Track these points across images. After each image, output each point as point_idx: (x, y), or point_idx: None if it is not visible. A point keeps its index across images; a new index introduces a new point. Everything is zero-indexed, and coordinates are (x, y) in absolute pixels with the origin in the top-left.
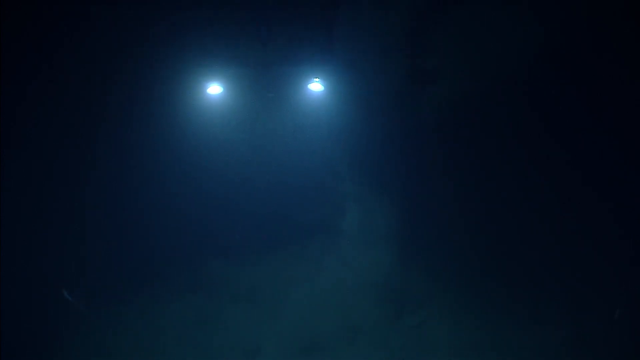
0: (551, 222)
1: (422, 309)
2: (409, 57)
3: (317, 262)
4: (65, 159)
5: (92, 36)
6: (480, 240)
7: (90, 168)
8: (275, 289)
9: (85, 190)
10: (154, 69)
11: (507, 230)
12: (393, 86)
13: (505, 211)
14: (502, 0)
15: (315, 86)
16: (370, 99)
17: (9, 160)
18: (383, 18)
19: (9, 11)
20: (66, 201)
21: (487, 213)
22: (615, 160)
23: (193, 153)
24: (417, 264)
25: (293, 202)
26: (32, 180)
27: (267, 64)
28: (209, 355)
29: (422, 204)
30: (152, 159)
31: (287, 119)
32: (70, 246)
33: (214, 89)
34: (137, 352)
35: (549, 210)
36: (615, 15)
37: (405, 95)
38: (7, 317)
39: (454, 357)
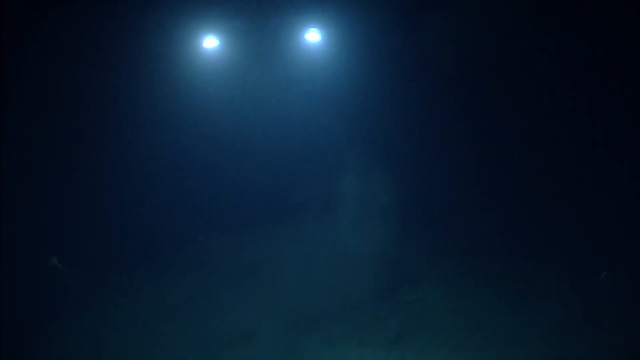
0: (551, 199)
1: (419, 285)
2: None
3: (313, 238)
4: (60, 121)
5: None
6: (481, 216)
7: (86, 129)
8: (271, 265)
9: (81, 155)
10: (150, 23)
11: (507, 206)
12: (396, 35)
13: (506, 187)
14: None
15: (313, 36)
16: (370, 50)
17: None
18: None
19: None
20: (63, 174)
21: (489, 188)
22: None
23: (188, 109)
24: (415, 239)
25: (290, 169)
26: (28, 150)
27: (262, 14)
28: (205, 334)
29: (423, 170)
30: (147, 117)
31: (283, 72)
32: (67, 222)
33: (210, 42)
34: (132, 331)
35: (550, 185)
36: None
37: (408, 45)
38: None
39: (450, 334)
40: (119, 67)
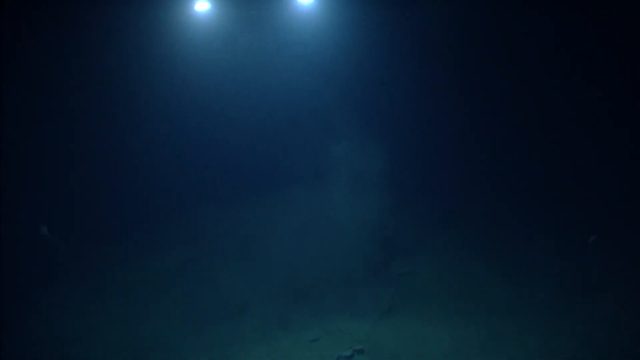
0: (545, 170)
1: (411, 257)
2: None
3: (305, 209)
4: (54, 88)
5: None
6: (474, 188)
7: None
8: (264, 237)
9: (75, 123)
10: None
11: (501, 179)
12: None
13: (501, 159)
14: None
15: None
16: (364, 12)
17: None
18: None
19: None
20: (58, 144)
21: (484, 160)
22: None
23: (180, 74)
24: (407, 210)
25: (281, 137)
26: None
27: None
28: (197, 306)
29: (416, 148)
30: (139, 86)
31: (274, 35)
32: (62, 192)
33: (202, 5)
34: (124, 304)
35: (544, 157)
36: None
37: (403, 8)
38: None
39: (442, 306)
40: (112, 31)
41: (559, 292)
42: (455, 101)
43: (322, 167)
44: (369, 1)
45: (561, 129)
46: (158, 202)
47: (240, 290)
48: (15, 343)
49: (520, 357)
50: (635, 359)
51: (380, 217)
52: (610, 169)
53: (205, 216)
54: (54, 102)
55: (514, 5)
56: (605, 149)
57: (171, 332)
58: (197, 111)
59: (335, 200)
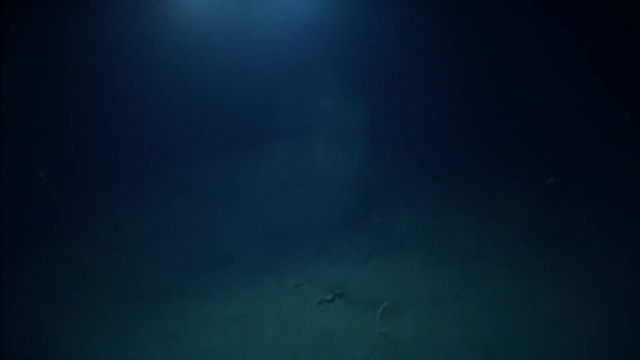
0: (515, 120)
1: (388, 208)
2: None
3: (292, 162)
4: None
5: None
6: (447, 141)
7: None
8: (251, 189)
9: (78, 79)
10: None
11: (472, 130)
12: None
13: (474, 113)
14: None
15: None
16: None
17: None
18: None
19: None
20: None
21: (457, 115)
22: None
23: (181, 46)
24: (384, 164)
25: (268, 96)
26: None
27: None
28: (188, 255)
29: (394, 103)
30: (143, 53)
31: (269, 14)
32: (60, 140)
33: None
34: (117, 253)
35: (516, 107)
36: None
37: None
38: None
39: (417, 253)
40: (116, 13)
41: (528, 238)
42: (436, 57)
43: (306, 123)
44: None
45: (541, 85)
46: (152, 156)
47: (227, 239)
48: (14, 289)
49: (492, 300)
50: (603, 300)
51: (360, 170)
52: (575, 119)
53: (196, 169)
54: (58, 56)
55: None
56: (574, 102)
57: (163, 277)
58: (192, 72)
59: (318, 153)
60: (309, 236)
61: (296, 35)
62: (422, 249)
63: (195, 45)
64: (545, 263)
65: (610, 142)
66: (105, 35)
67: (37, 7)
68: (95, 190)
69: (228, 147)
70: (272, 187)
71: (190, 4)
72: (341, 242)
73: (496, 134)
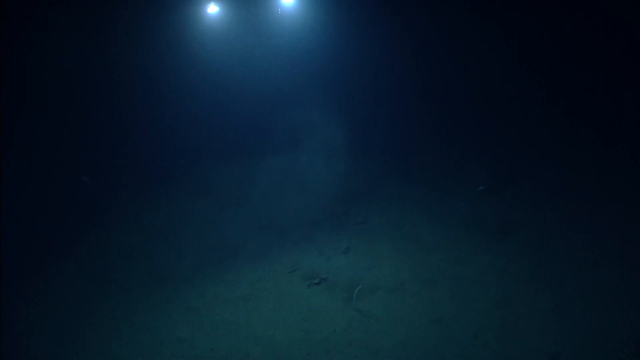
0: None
1: (364, 209)
2: None
3: (284, 171)
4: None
5: None
6: (415, 156)
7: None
8: (252, 191)
9: (104, 99)
10: None
11: (433, 148)
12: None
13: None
14: None
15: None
16: (334, 12)
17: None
18: None
19: None
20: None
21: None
22: None
23: (196, 60)
24: (362, 173)
25: (266, 117)
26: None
27: None
28: (204, 243)
29: (370, 122)
30: (162, 67)
31: (266, 29)
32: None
33: (212, 9)
34: (146, 241)
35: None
36: None
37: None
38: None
39: (387, 247)
40: (138, 29)
41: (476, 233)
42: (403, 85)
43: (296, 138)
44: (336, 5)
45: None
46: (174, 161)
47: (235, 232)
48: (65, 273)
49: (444, 283)
50: (550, 291)
51: (340, 177)
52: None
53: (210, 174)
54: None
55: None
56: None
57: (185, 264)
58: (206, 94)
59: (306, 163)
60: (299, 231)
61: (291, 65)
62: (390, 242)
63: (212, 75)
64: (490, 254)
65: (561, 141)
66: (141, 70)
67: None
68: (129, 191)
69: (234, 157)
70: (269, 189)
71: (211, 41)
72: (325, 237)
73: (447, 143)
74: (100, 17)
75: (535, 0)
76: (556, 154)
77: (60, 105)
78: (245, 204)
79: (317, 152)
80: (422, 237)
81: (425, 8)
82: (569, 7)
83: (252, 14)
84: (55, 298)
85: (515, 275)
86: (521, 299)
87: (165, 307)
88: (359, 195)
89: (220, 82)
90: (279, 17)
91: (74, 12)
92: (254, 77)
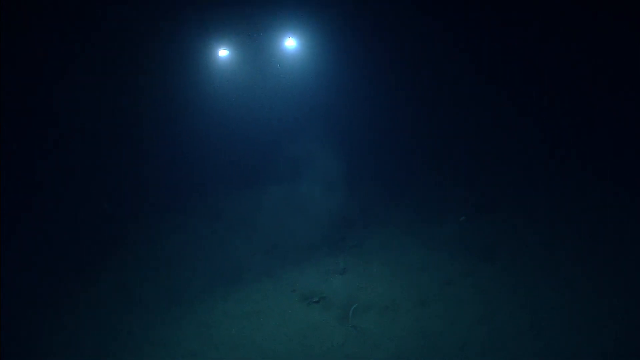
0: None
1: (358, 234)
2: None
3: (286, 199)
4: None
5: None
6: (403, 186)
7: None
8: (259, 216)
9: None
10: (185, 39)
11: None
12: (352, 44)
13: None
14: None
15: (290, 42)
16: (331, 52)
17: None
18: None
19: None
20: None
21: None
22: None
23: (209, 99)
24: (356, 203)
25: (271, 150)
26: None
27: (256, 32)
28: (215, 261)
29: (365, 156)
30: (179, 105)
31: (270, 70)
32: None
33: (223, 52)
34: (168, 259)
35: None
36: None
37: (362, 51)
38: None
39: (378, 268)
40: (157, 71)
41: (461, 257)
42: (394, 121)
43: (298, 167)
44: (333, 48)
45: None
46: (188, 191)
47: (241, 254)
48: (93, 293)
49: (432, 302)
50: (530, 309)
51: (337, 205)
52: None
53: (220, 201)
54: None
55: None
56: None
57: (196, 283)
58: (217, 129)
59: (306, 192)
60: (299, 253)
61: (293, 102)
62: (383, 264)
63: (226, 107)
64: (474, 275)
65: (540, 169)
66: (157, 110)
67: None
68: (148, 217)
69: (242, 187)
70: (272, 216)
71: (222, 80)
72: (323, 259)
73: (434, 173)
74: (127, 57)
75: (521, 39)
76: (535, 182)
77: (89, 142)
78: (251, 229)
79: (316, 181)
80: (412, 260)
81: (413, 49)
82: (553, 51)
83: (258, 56)
84: (80, 315)
85: (497, 295)
86: (503, 316)
87: (179, 323)
88: (354, 221)
89: (229, 119)
90: (282, 59)
91: (99, 53)
92: (259, 114)
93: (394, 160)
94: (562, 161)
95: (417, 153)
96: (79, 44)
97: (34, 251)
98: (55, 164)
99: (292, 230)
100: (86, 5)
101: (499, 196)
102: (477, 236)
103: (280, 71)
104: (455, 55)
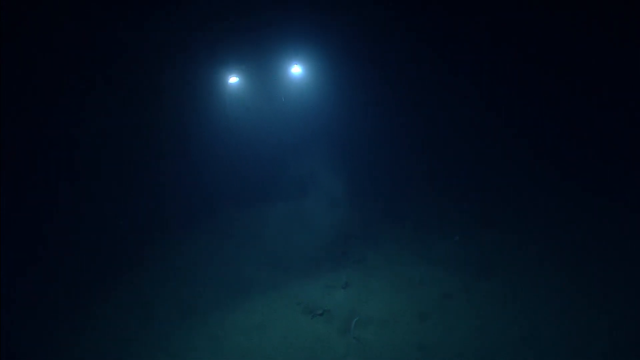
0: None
1: (361, 250)
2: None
3: (292, 216)
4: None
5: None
6: (403, 204)
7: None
8: (266, 233)
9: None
10: (199, 68)
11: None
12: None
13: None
14: None
15: (296, 69)
16: (334, 79)
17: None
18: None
19: None
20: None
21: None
22: None
23: (221, 122)
24: (358, 221)
25: (279, 170)
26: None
27: (264, 60)
28: (225, 276)
29: (367, 177)
30: (193, 129)
31: (278, 94)
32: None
33: (233, 79)
34: (181, 272)
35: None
36: None
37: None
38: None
39: (379, 282)
40: (173, 98)
41: (458, 273)
42: (395, 142)
43: (303, 186)
44: (336, 75)
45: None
46: (199, 209)
47: (249, 269)
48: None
49: (428, 314)
50: (520, 322)
51: (340, 222)
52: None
53: (229, 218)
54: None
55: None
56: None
57: (207, 296)
58: (227, 151)
59: (310, 209)
60: (304, 268)
61: (295, 124)
62: (383, 279)
63: (237, 131)
64: (469, 291)
65: (531, 191)
66: (170, 136)
67: None
68: (163, 234)
69: (250, 205)
70: (278, 232)
71: (232, 104)
72: (327, 273)
73: (432, 193)
74: (148, 83)
75: (517, 60)
76: (527, 202)
77: (108, 163)
78: (259, 245)
79: (320, 200)
80: (411, 275)
81: (409, 77)
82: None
83: (265, 83)
84: (100, 328)
85: (490, 308)
86: (495, 328)
87: (192, 333)
88: (356, 238)
89: (238, 141)
90: (288, 85)
91: (122, 81)
92: (267, 136)
93: (394, 180)
94: (551, 183)
95: (415, 173)
96: (100, 74)
97: (55, 268)
98: (75, 185)
99: (297, 245)
100: (106, 34)
101: (494, 215)
102: (473, 253)
103: (286, 99)
104: (452, 79)
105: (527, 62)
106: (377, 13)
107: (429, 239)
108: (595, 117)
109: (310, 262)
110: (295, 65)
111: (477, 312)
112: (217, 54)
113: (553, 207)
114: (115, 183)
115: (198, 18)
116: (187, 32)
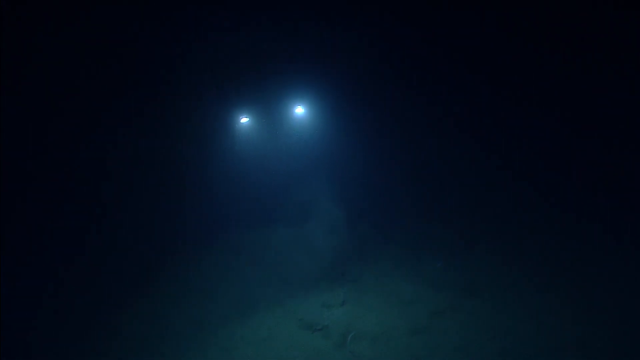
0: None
1: (356, 270)
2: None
3: (293, 239)
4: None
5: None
6: (396, 231)
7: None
8: (267, 254)
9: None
10: (213, 110)
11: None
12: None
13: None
14: None
15: (299, 110)
16: (334, 118)
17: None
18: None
19: None
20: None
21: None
22: None
23: (232, 155)
24: (355, 244)
25: (281, 198)
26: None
27: (271, 101)
28: (232, 297)
29: (363, 204)
30: (207, 161)
31: (283, 132)
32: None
33: (245, 119)
34: (189, 290)
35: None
36: None
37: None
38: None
39: (373, 300)
40: (189, 135)
41: (444, 290)
42: (388, 174)
43: (305, 212)
44: (334, 114)
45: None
46: (210, 229)
47: (255, 286)
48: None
49: (419, 331)
50: (501, 338)
51: (338, 244)
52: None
53: (237, 239)
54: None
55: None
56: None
57: (217, 311)
58: (237, 179)
59: (311, 232)
60: (306, 287)
61: (298, 156)
62: (377, 296)
63: (246, 165)
64: (456, 310)
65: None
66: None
67: None
68: (176, 253)
69: (257, 227)
70: (282, 253)
71: (242, 141)
72: (326, 291)
73: (422, 219)
74: (167, 121)
75: (511, 80)
76: (509, 226)
77: (123, 188)
78: (264, 264)
79: (320, 224)
80: (403, 293)
81: (401, 117)
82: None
83: (272, 122)
84: (118, 342)
85: (473, 326)
86: (477, 345)
87: (203, 347)
88: (353, 259)
89: (248, 171)
90: (293, 123)
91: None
92: (273, 167)
93: (387, 207)
94: (536, 205)
95: (406, 201)
96: (116, 112)
97: (74, 285)
98: (93, 206)
99: (300, 266)
100: (122, 76)
101: (478, 238)
102: (459, 273)
103: (291, 134)
104: (443, 119)
105: (518, 105)
106: (373, 62)
107: (419, 261)
108: (575, 146)
109: (311, 281)
110: (299, 107)
111: (460, 330)
112: (231, 98)
113: (538, 228)
114: (131, 208)
115: (219, 77)
116: (207, 84)
